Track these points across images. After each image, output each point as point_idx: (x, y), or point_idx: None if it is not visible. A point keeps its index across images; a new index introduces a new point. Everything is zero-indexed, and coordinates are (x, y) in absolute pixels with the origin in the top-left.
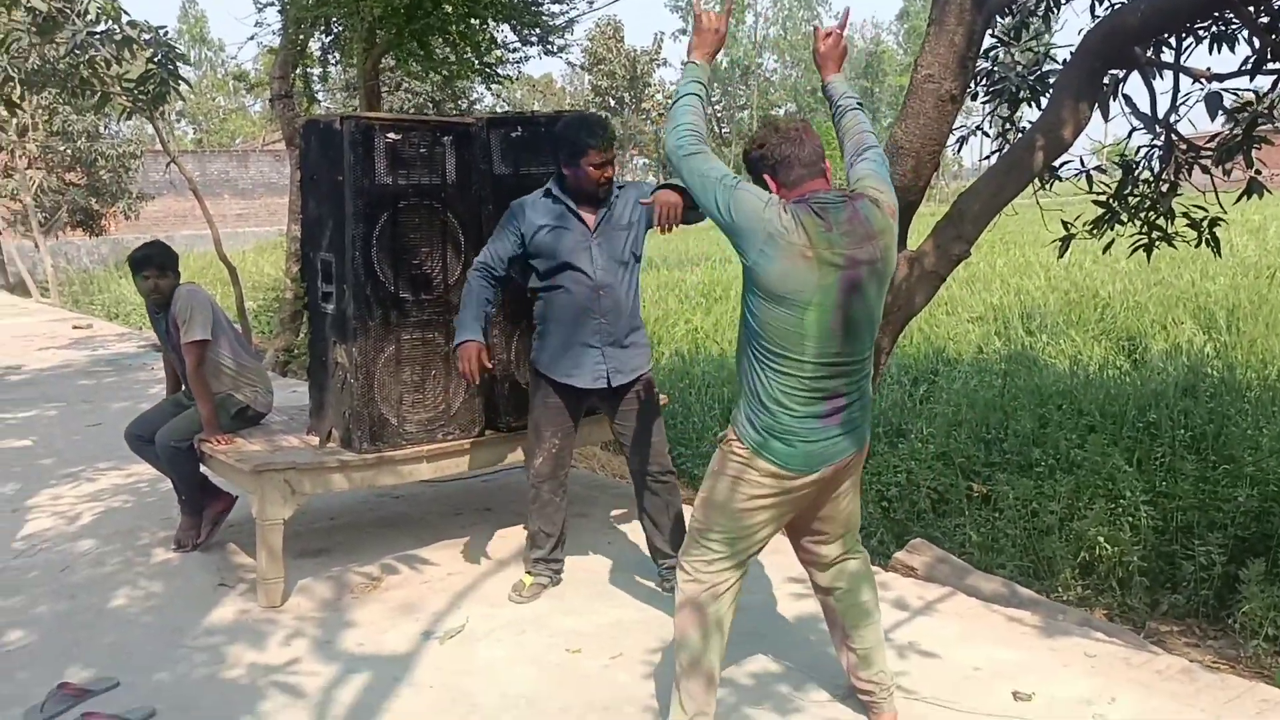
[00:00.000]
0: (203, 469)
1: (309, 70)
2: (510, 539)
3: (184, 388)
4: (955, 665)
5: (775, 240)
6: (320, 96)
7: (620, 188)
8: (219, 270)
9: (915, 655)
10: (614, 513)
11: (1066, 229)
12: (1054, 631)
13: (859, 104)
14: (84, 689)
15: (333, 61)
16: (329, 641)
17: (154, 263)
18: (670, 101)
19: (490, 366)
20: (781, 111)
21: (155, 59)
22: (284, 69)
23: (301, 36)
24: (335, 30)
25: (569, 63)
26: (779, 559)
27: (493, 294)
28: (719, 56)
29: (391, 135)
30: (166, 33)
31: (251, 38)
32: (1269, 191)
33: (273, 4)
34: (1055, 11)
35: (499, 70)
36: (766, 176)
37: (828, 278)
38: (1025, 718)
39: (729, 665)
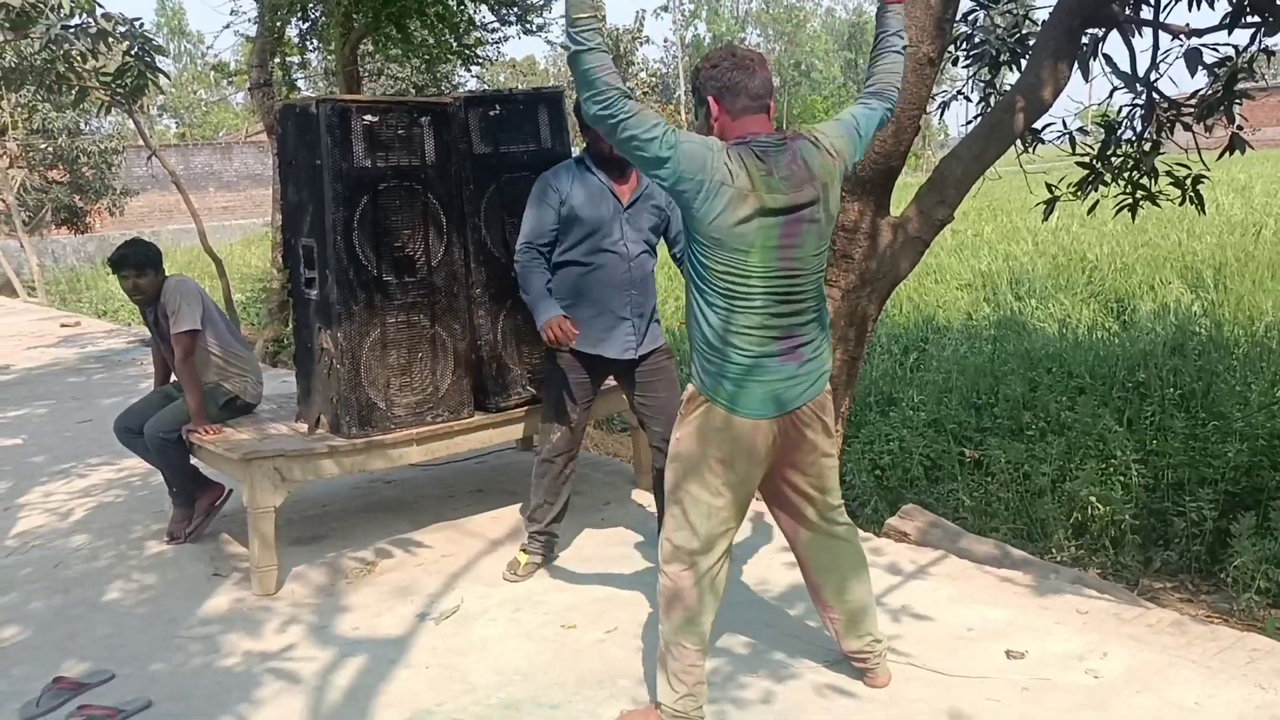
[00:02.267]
0: (193, 460)
1: (287, 58)
2: (503, 519)
3: (173, 379)
4: (949, 626)
5: (723, 187)
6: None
7: None
8: (206, 264)
9: (908, 618)
10: (607, 489)
11: (1051, 191)
12: (1046, 590)
13: (902, 49)
14: (79, 682)
15: (311, 48)
16: (324, 627)
17: (130, 263)
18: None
19: (576, 332)
20: None
21: (131, 51)
22: (262, 57)
23: (278, 24)
24: (312, 16)
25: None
26: (766, 527)
27: (546, 270)
28: (701, 31)
29: (368, 117)
30: (142, 24)
31: (227, 26)
32: (1251, 148)
33: None
34: None
35: (478, 52)
36: (711, 98)
37: (769, 220)
38: (1018, 675)
39: (720, 635)
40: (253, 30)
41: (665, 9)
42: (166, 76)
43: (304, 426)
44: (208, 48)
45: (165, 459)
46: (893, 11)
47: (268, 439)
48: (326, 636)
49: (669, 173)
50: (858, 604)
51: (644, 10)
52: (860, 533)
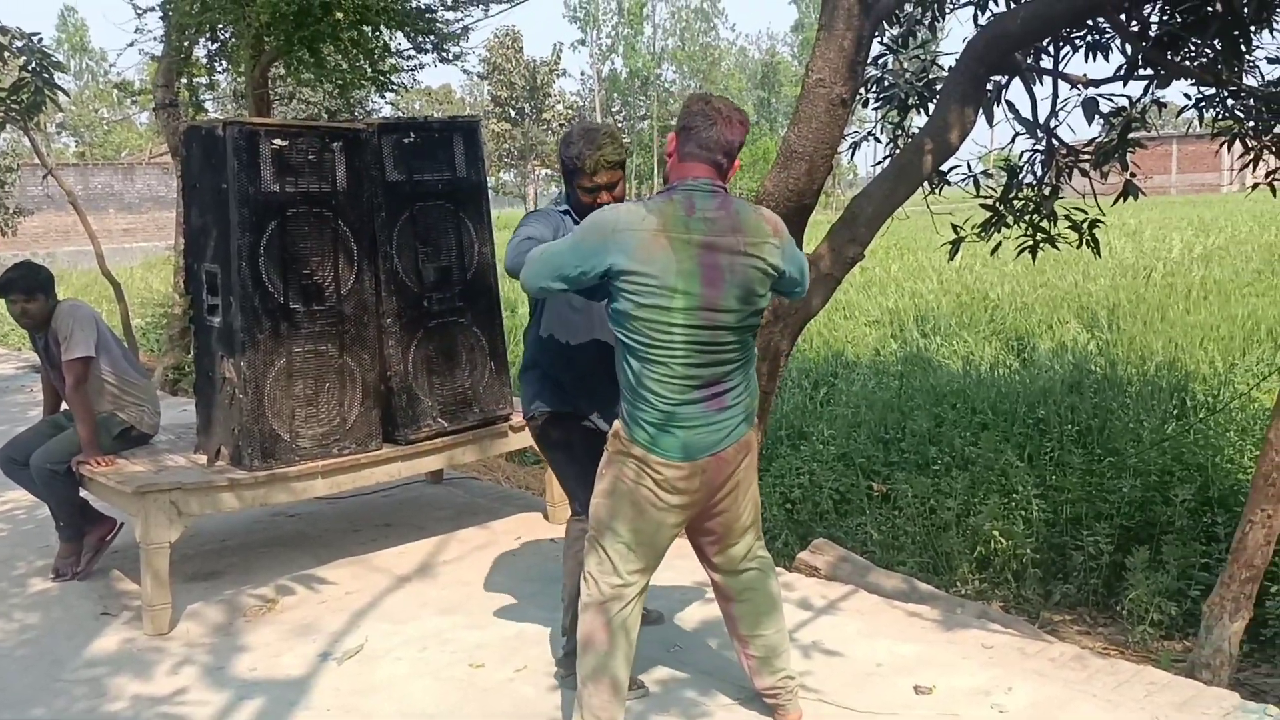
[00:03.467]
0: (83, 493)
1: (195, 78)
2: (410, 555)
3: (64, 408)
4: (858, 662)
5: (624, 234)
6: (209, 106)
7: None
8: (104, 287)
9: (819, 654)
10: (519, 524)
11: (956, 232)
12: (953, 625)
13: None
14: None
15: (220, 69)
16: (220, 668)
17: (18, 287)
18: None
19: None
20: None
21: (29, 67)
22: (168, 77)
23: (186, 43)
24: (222, 37)
25: (465, 71)
26: (685, 564)
27: None
28: (618, 65)
29: (277, 141)
30: (41, 40)
31: (131, 44)
32: (1143, 194)
33: (154, 10)
34: (941, 20)
35: (393, 79)
36: (673, 135)
37: (686, 262)
38: (926, 710)
39: (638, 672)
40: (159, 49)
41: (583, 43)
42: (65, 93)
43: (203, 458)
44: (110, 65)
45: (53, 492)
46: None
47: (164, 471)
48: (222, 678)
49: (612, 269)
50: (773, 640)
51: (561, 43)
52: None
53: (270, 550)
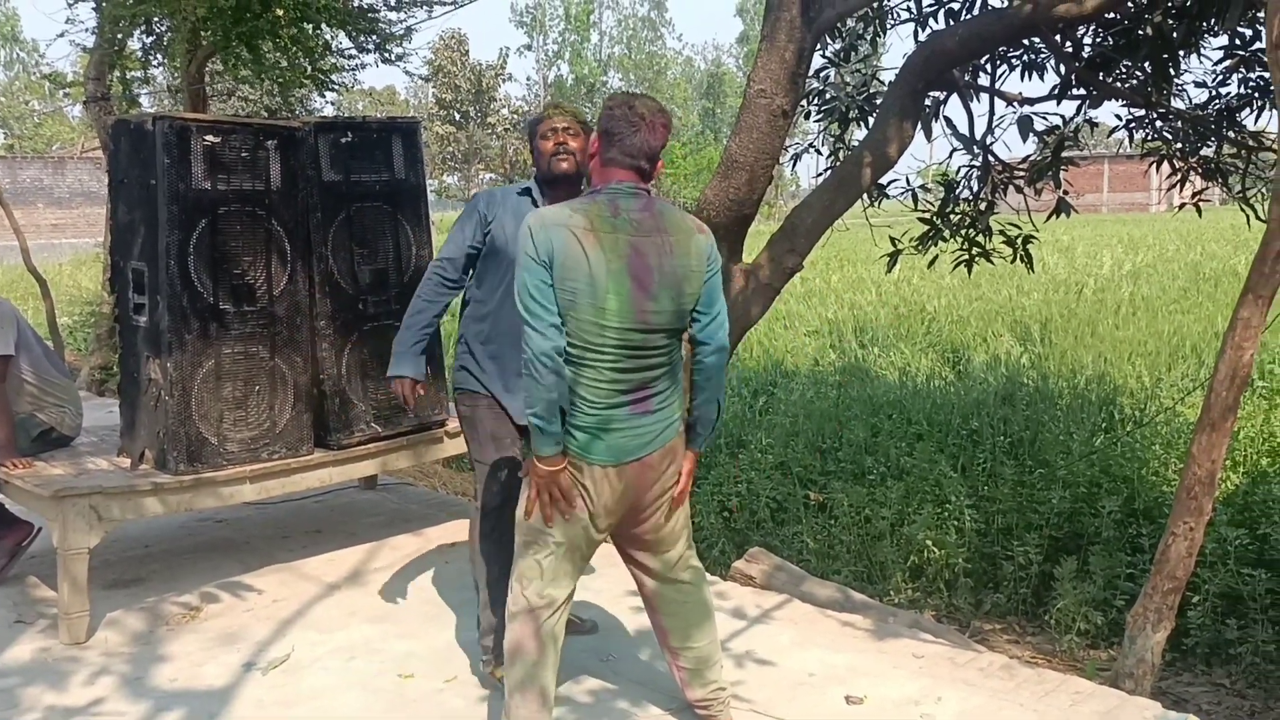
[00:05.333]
0: None
1: (129, 72)
2: (341, 562)
3: None
4: (790, 672)
5: (553, 231)
6: (144, 100)
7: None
8: (29, 284)
9: (751, 663)
10: (452, 530)
11: (894, 244)
12: (884, 634)
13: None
14: None
15: (155, 63)
16: (139, 678)
17: None
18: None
19: (421, 393)
20: None
21: None
22: (100, 70)
23: (119, 35)
24: (157, 30)
25: (409, 73)
26: (617, 573)
27: (446, 300)
28: (564, 71)
29: (210, 138)
30: None
31: (61, 34)
32: (1075, 211)
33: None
34: (881, 35)
35: (333, 78)
36: (596, 134)
37: (615, 261)
38: None
39: (564, 682)
40: (91, 41)
41: (529, 48)
42: None
43: (126, 461)
44: (41, 56)
45: None
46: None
47: (84, 474)
48: (141, 688)
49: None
50: (704, 652)
51: (508, 48)
52: (707, 575)
53: (195, 557)
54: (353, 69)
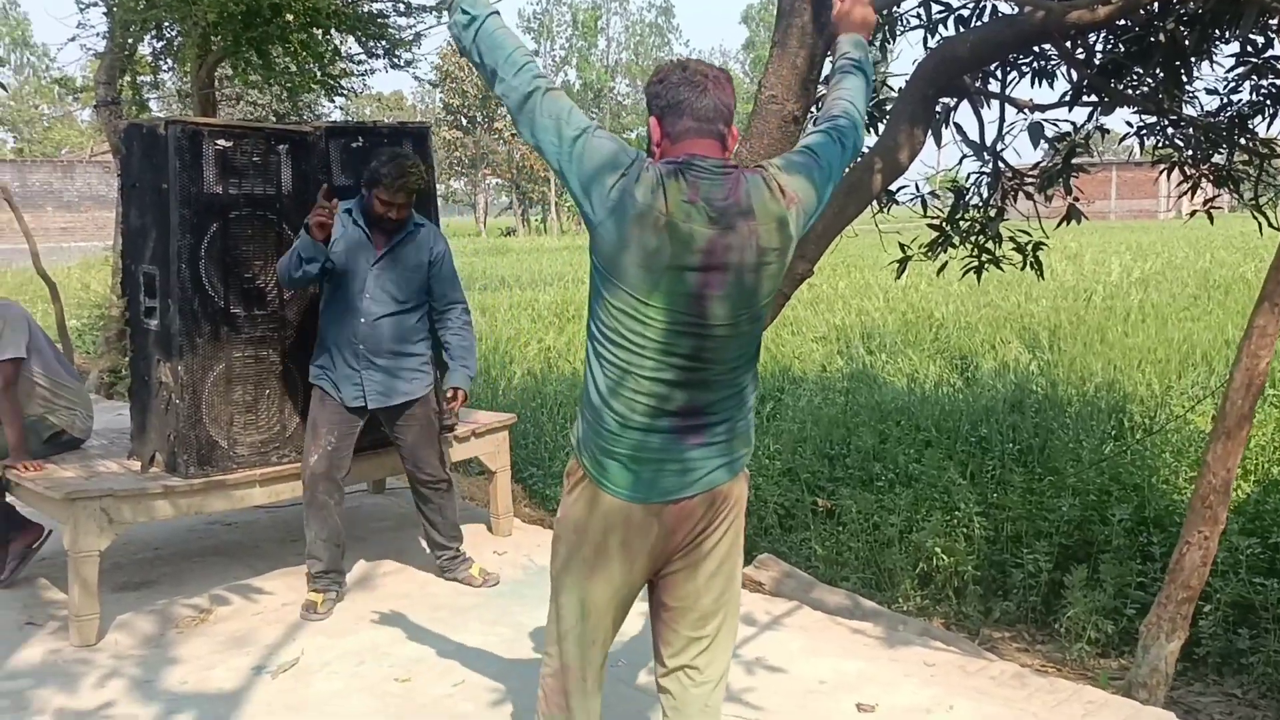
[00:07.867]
0: (9, 498)
1: (139, 76)
2: (349, 565)
3: None
4: (801, 679)
5: (626, 200)
6: (154, 105)
7: (420, 225)
8: (39, 287)
9: (762, 670)
10: None
11: (903, 251)
12: (895, 642)
13: (856, 65)
14: None
15: (165, 68)
16: (149, 681)
17: None
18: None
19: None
20: (634, 135)
21: None
22: (110, 74)
23: (130, 40)
24: (168, 35)
25: (417, 78)
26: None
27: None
28: (571, 77)
29: (221, 142)
30: None
31: (73, 39)
32: (1085, 218)
33: (97, 4)
34: (892, 41)
35: (343, 83)
36: (654, 119)
37: (681, 258)
38: None
39: None
40: (102, 45)
41: (536, 53)
42: (4, 88)
43: (137, 464)
44: (52, 60)
45: None
46: (838, 42)
47: (95, 477)
48: (151, 691)
49: (566, 156)
50: None
51: None
52: None
53: (205, 559)
54: (362, 74)
